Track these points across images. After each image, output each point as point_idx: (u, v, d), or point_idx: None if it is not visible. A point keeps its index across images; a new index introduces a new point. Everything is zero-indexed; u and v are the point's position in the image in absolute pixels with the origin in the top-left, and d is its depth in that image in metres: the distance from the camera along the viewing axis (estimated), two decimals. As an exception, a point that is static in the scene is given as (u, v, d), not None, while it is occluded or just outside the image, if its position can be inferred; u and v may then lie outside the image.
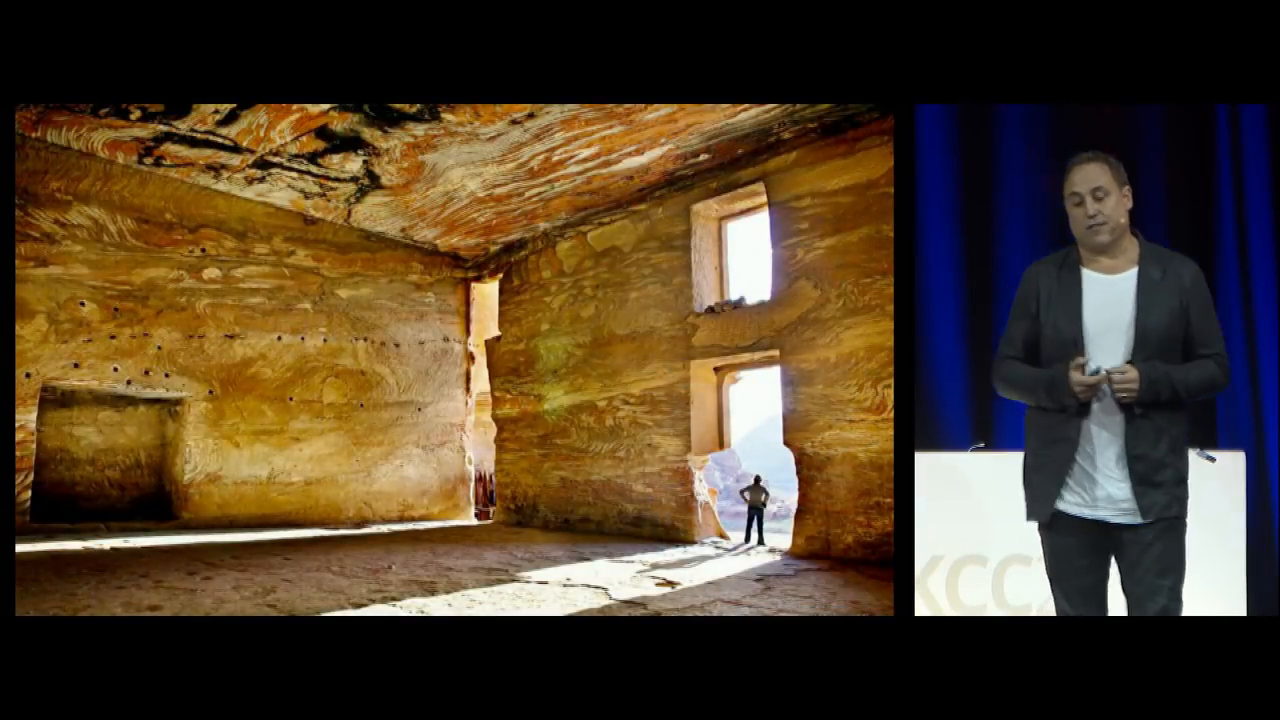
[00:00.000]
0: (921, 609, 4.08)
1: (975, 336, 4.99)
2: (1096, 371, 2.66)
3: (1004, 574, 4.06)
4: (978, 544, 4.06)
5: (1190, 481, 2.73)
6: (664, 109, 7.41)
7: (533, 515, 11.16)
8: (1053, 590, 2.80)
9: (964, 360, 4.93)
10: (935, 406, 4.85)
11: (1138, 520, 2.67)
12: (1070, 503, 2.75)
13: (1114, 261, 2.76)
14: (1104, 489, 2.72)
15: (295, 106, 8.01)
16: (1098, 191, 2.72)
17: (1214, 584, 3.94)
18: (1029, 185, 4.96)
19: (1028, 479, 2.85)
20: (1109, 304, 2.74)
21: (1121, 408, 2.68)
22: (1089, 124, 4.92)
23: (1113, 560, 2.74)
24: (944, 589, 4.11)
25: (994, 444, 4.61)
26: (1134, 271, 2.74)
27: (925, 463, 4.00)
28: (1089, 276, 2.78)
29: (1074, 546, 2.74)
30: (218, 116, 8.41)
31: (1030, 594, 3.93)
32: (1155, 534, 2.66)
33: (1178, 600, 2.64)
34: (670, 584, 5.83)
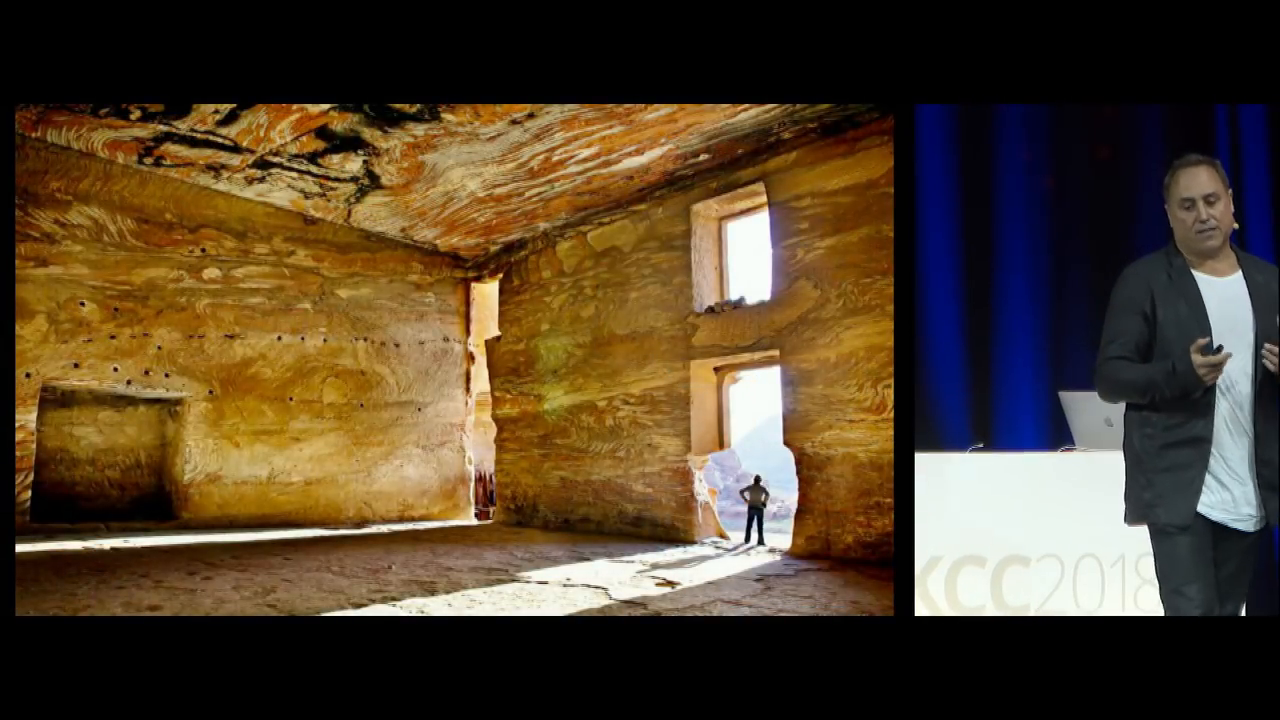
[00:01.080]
0: (920, 610, 4.07)
1: (974, 337, 4.99)
2: (1219, 349, 2.61)
3: (1002, 575, 4.04)
4: (976, 545, 4.05)
5: None
6: (664, 109, 7.41)
7: (533, 515, 11.16)
8: (1177, 594, 2.73)
9: (962, 361, 4.93)
10: (934, 407, 4.85)
11: (1251, 527, 2.69)
12: (1203, 504, 2.73)
13: (1219, 265, 2.76)
14: (1227, 491, 2.71)
15: (295, 106, 8.01)
16: (1210, 197, 2.71)
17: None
18: (1029, 185, 4.95)
19: (1147, 482, 2.80)
20: (1226, 306, 2.73)
21: (1251, 408, 2.68)
22: (1089, 123, 4.92)
23: None
24: (943, 590, 4.11)
25: (992, 444, 4.61)
26: (1239, 275, 2.75)
27: (922, 463, 4.00)
28: (1201, 279, 2.77)
29: (1198, 546, 2.70)
30: (218, 116, 8.41)
31: (1028, 595, 3.91)
32: (1251, 542, 2.69)
33: (1241, 605, 2.69)
34: (670, 584, 5.83)
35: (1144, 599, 3.86)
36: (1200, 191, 2.71)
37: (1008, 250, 4.94)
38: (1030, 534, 3.81)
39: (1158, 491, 2.78)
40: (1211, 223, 2.70)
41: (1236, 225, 2.76)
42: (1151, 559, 2.90)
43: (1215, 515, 2.71)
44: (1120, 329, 2.81)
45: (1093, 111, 4.90)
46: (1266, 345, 2.65)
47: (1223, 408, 2.71)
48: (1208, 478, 2.72)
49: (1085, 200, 4.95)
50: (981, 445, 4.40)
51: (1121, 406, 3.57)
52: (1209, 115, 4.71)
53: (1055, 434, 4.43)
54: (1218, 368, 2.62)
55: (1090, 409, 3.92)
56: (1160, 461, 2.78)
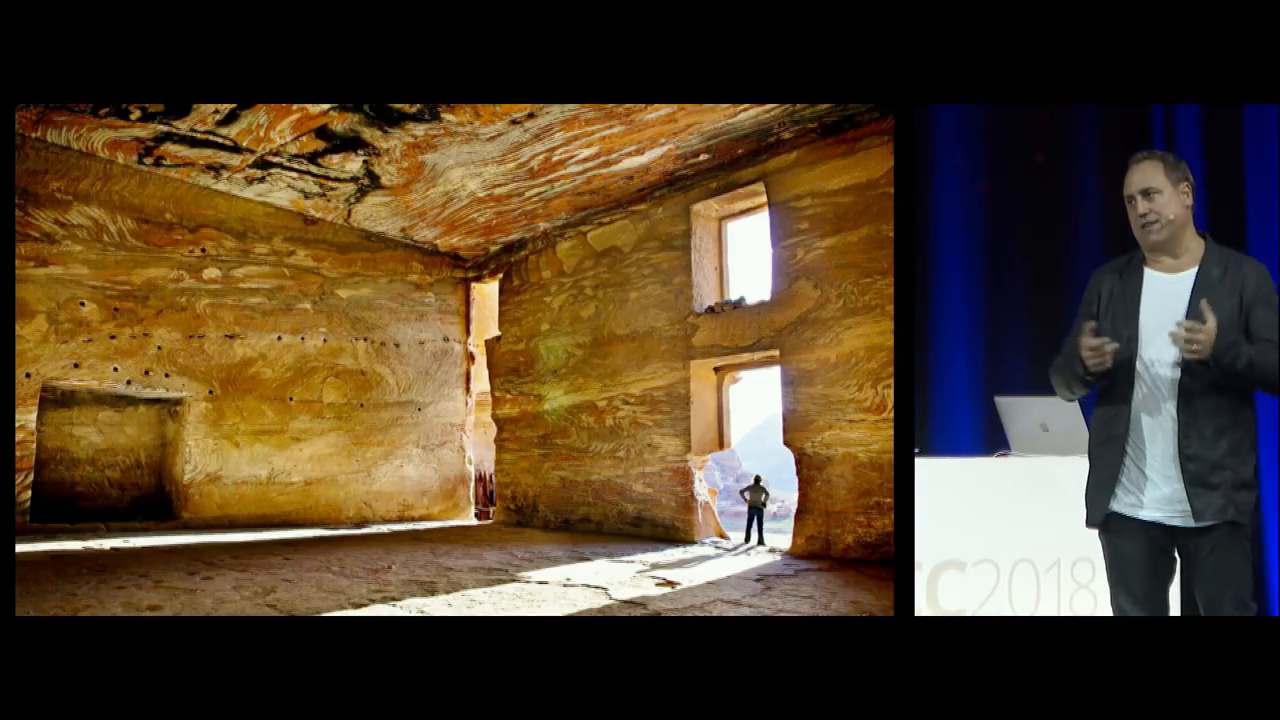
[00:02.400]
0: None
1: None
2: (1100, 337, 2.64)
3: (938, 579, 4.00)
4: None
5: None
6: (664, 109, 7.41)
7: (533, 515, 11.16)
8: (1112, 594, 2.78)
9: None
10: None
11: (1191, 523, 2.65)
12: (1124, 503, 2.73)
13: (1176, 261, 2.75)
14: (1157, 489, 2.70)
15: (295, 106, 8.01)
16: (1149, 191, 2.71)
17: None
18: (964, 189, 4.94)
19: (1086, 483, 2.84)
20: (1165, 302, 2.72)
21: (1174, 399, 2.65)
22: (1025, 127, 4.90)
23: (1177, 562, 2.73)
24: (924, 594, 4.09)
25: (927, 449, 4.56)
26: (1194, 271, 2.72)
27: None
28: (1150, 276, 2.77)
29: (1131, 549, 2.71)
30: (218, 116, 8.41)
31: (964, 599, 3.83)
32: (1214, 541, 2.64)
33: (1245, 609, 2.62)
34: (670, 584, 5.83)
35: (1079, 603, 3.84)
36: (1139, 186, 2.72)
37: (943, 255, 4.93)
38: (965, 539, 3.79)
39: (1088, 491, 2.82)
40: (1150, 216, 2.70)
41: (1177, 216, 2.70)
42: (1085, 564, 2.93)
43: (1146, 514, 2.71)
44: (1073, 331, 2.86)
45: (1029, 115, 4.90)
46: (1177, 322, 2.61)
47: (1143, 405, 2.71)
48: (1135, 475, 2.73)
49: (1021, 204, 4.93)
50: (917, 450, 4.38)
51: (1057, 413, 3.59)
52: (1145, 117, 4.70)
53: (991, 439, 4.41)
54: (1099, 354, 2.66)
55: (1026, 414, 3.91)
56: (1094, 460, 2.83)
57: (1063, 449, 3.78)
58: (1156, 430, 2.70)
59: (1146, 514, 2.71)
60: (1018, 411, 3.96)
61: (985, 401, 4.41)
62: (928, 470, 3.81)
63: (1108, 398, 2.80)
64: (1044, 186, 4.91)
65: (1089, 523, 2.81)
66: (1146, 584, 2.71)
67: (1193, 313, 2.65)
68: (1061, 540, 3.80)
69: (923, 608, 3.73)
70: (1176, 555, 2.73)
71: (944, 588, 3.80)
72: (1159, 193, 2.70)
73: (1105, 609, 3.49)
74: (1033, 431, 3.90)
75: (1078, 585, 3.86)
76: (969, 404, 4.73)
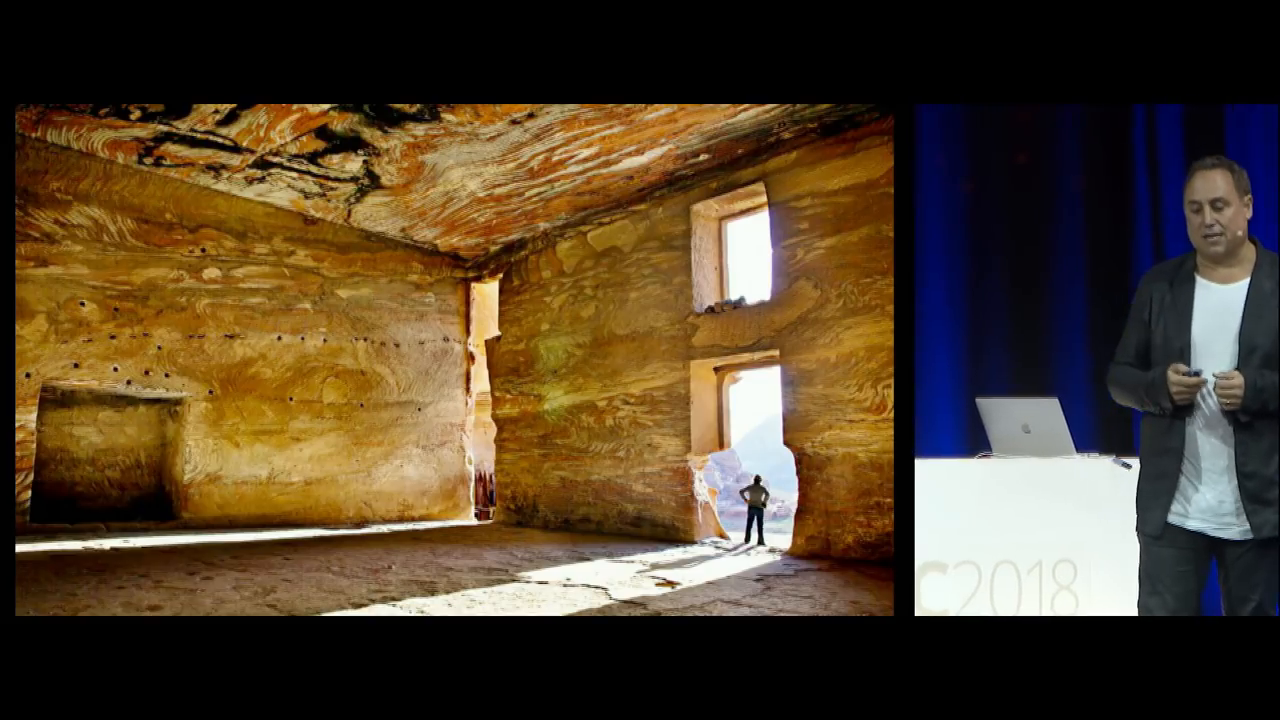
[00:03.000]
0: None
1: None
2: (1197, 373, 2.65)
3: (920, 580, 3.99)
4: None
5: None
6: (664, 109, 7.41)
7: (533, 515, 11.16)
8: (1141, 597, 2.80)
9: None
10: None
11: (1239, 536, 2.67)
12: (1174, 513, 2.75)
13: (1229, 270, 2.73)
14: (1204, 499, 2.71)
15: (295, 106, 8.01)
16: (1217, 202, 2.68)
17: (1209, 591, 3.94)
18: (946, 190, 4.94)
19: (1139, 490, 2.85)
20: (1218, 313, 2.71)
21: (1230, 418, 2.66)
22: (1007, 128, 4.91)
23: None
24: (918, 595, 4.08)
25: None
26: (1244, 282, 2.71)
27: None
28: (1202, 285, 2.75)
29: (1174, 555, 2.73)
30: (218, 116, 8.41)
31: (945, 601, 3.83)
32: (1250, 546, 2.67)
33: (1268, 609, 2.65)
34: (670, 584, 5.83)
35: (1061, 605, 3.84)
36: (1207, 196, 2.69)
37: (925, 255, 4.94)
38: (947, 540, 3.79)
39: (1141, 499, 2.83)
40: (1216, 228, 2.68)
41: (1242, 231, 2.70)
42: (1066, 566, 2.94)
43: (1193, 524, 2.72)
44: (1126, 336, 2.87)
45: (1011, 116, 4.91)
46: (1213, 374, 2.63)
47: (1203, 415, 2.71)
48: (1186, 486, 2.73)
49: (1003, 205, 4.94)
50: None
51: (1039, 414, 3.61)
52: (1125, 118, 4.70)
53: (972, 440, 4.41)
54: (1190, 389, 2.66)
55: (1007, 415, 3.91)
56: (1147, 469, 2.83)
57: (1044, 450, 3.78)
58: (1210, 445, 2.71)
59: (1193, 524, 2.73)
60: (999, 413, 3.96)
61: (967, 402, 4.42)
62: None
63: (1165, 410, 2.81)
64: (1026, 187, 4.92)
65: (1144, 529, 2.82)
66: (1178, 588, 2.72)
67: (1245, 329, 2.66)
68: (1043, 542, 3.80)
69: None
70: (1201, 562, 2.75)
71: (926, 589, 3.79)
72: (1228, 205, 2.68)
73: (1086, 610, 3.50)
74: (1014, 432, 3.91)
75: (1059, 587, 3.86)
76: (950, 405, 4.73)
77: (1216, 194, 2.68)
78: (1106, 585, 3.68)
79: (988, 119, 4.88)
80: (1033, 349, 4.82)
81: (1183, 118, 4.60)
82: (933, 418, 4.83)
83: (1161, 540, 2.76)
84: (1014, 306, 4.86)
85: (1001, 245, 4.90)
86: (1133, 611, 2.92)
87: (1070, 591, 3.83)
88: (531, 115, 7.69)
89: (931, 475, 3.87)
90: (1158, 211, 4.62)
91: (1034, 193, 4.89)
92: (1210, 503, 2.70)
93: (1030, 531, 3.81)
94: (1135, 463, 3.60)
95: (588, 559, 7.31)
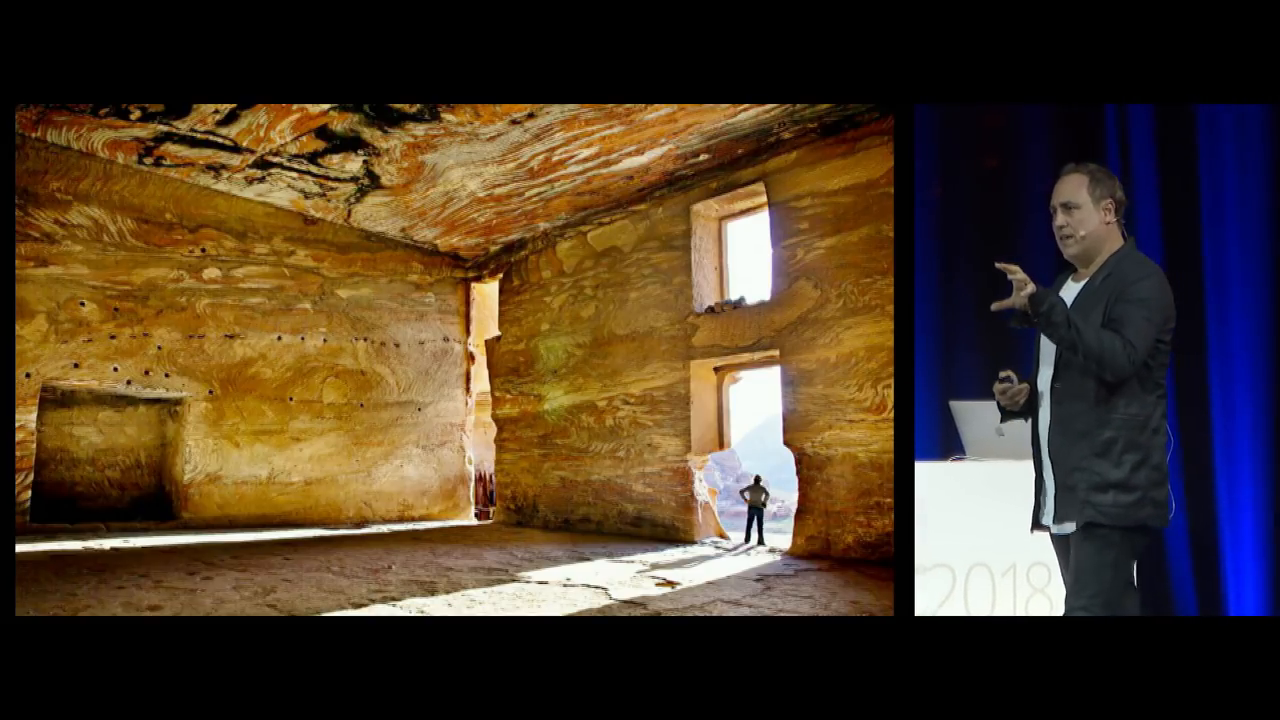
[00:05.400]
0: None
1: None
2: (1006, 378, 2.73)
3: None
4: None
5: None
6: (664, 109, 7.41)
7: (533, 515, 11.16)
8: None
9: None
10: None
11: (1055, 531, 2.68)
12: (1043, 511, 2.78)
13: (1087, 270, 2.76)
14: (1047, 497, 2.74)
15: (295, 106, 8.01)
16: (1068, 205, 2.72)
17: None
18: (918, 193, 4.94)
19: None
20: None
21: (1049, 414, 2.68)
22: (976, 131, 4.92)
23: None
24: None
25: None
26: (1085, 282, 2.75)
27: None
28: (1066, 287, 2.81)
29: (1059, 557, 2.78)
30: (218, 116, 8.41)
31: (921, 604, 3.84)
32: (1075, 543, 2.65)
33: (1088, 614, 2.59)
34: (670, 584, 5.83)
35: (1035, 607, 3.86)
36: (1058, 200, 2.74)
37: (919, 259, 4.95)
38: (921, 543, 3.79)
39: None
40: (1066, 230, 2.72)
41: (1089, 232, 2.70)
42: (1041, 569, 2.97)
43: (1044, 520, 2.76)
44: None
45: (980, 119, 4.92)
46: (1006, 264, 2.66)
47: (1041, 414, 2.76)
48: (1040, 484, 2.77)
49: (971, 208, 4.95)
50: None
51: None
52: (1098, 119, 4.70)
53: (945, 443, 4.42)
54: (1004, 394, 2.74)
55: (980, 418, 3.92)
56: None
57: (1018, 453, 3.79)
58: (1043, 440, 2.75)
59: (1045, 520, 2.77)
60: (973, 416, 3.97)
61: (940, 406, 4.43)
62: None
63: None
64: (994, 190, 4.93)
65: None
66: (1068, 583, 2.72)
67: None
68: (1017, 544, 3.81)
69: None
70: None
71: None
72: (1078, 208, 2.71)
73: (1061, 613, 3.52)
74: (988, 435, 3.92)
75: (1033, 589, 3.87)
76: (925, 408, 4.73)
77: (1066, 197, 2.72)
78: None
79: (957, 122, 4.89)
80: (1003, 352, 4.86)
81: (1153, 118, 4.61)
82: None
83: (1052, 542, 2.81)
84: (983, 308, 4.89)
85: (971, 249, 4.92)
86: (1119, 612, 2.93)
87: (1044, 594, 3.84)
88: (531, 115, 7.69)
89: None
90: (1129, 212, 4.63)
91: (1002, 197, 4.92)
92: (1049, 500, 2.72)
93: (1004, 534, 3.83)
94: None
95: (588, 559, 7.31)
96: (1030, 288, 2.61)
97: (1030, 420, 2.81)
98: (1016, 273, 2.63)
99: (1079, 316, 2.62)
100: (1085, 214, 2.71)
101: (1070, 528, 2.65)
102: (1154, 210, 4.56)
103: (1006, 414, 2.81)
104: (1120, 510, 2.57)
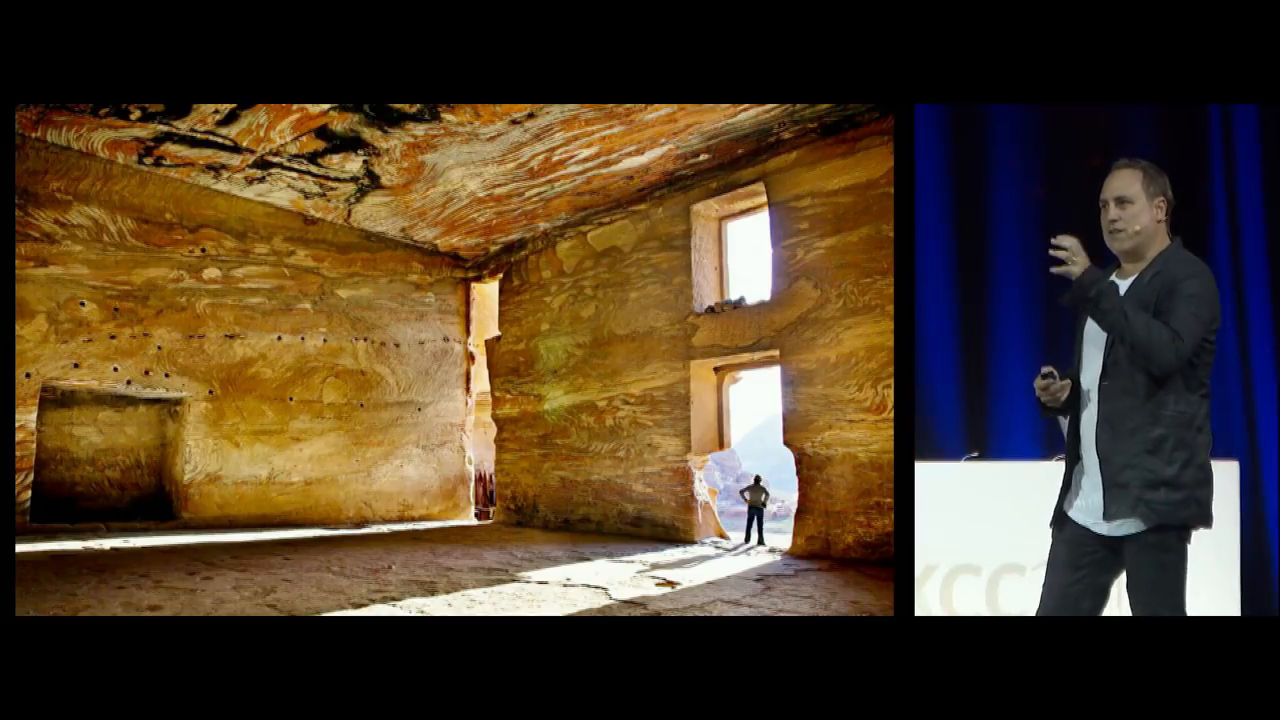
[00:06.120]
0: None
1: (968, 345, 4.99)
2: (1049, 373, 2.70)
3: (998, 583, 4.04)
4: (971, 553, 4.04)
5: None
6: (664, 109, 7.41)
7: (533, 515, 11.16)
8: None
9: (956, 369, 4.92)
10: (928, 415, 4.84)
11: (1104, 530, 2.63)
12: (1077, 508, 2.73)
13: (1135, 267, 2.73)
14: (1086, 495, 2.69)
15: (295, 106, 8.01)
16: (1120, 199, 2.70)
17: (1210, 595, 3.94)
18: (1021, 192, 4.96)
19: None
20: None
21: (1098, 412, 2.65)
22: (1081, 129, 4.92)
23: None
24: (938, 598, 4.11)
25: (987, 453, 4.60)
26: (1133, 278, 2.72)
27: (922, 472, 3.99)
28: (1111, 284, 2.74)
29: (1067, 555, 2.71)
30: (218, 116, 8.41)
31: (1026, 603, 3.91)
32: (1137, 548, 2.60)
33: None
34: (670, 584, 5.83)
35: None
36: (1111, 194, 2.73)
37: (1001, 257, 4.95)
38: (1024, 543, 3.81)
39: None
40: (1118, 224, 2.70)
41: (1142, 228, 2.68)
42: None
43: (1078, 517, 2.71)
44: None
45: (1085, 117, 4.92)
46: (1056, 240, 2.66)
47: (1083, 413, 2.72)
48: (1079, 481, 2.72)
49: (1076, 208, 4.96)
50: (976, 454, 4.39)
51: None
52: (1202, 116, 4.70)
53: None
54: (1046, 390, 2.70)
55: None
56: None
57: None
58: (1088, 437, 2.71)
59: (1076, 514, 2.73)
60: None
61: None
62: (988, 475, 3.87)
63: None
64: (1099, 189, 4.96)
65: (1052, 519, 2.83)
66: (1070, 591, 2.67)
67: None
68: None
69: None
70: (1100, 563, 2.68)
71: (1003, 591, 3.85)
72: (1131, 203, 2.70)
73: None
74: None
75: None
76: (1029, 409, 4.76)
77: (1120, 191, 2.71)
78: (1196, 592, 3.71)
79: (1061, 121, 4.91)
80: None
81: (1259, 118, 4.61)
82: (1009, 420, 4.87)
83: (1061, 533, 2.76)
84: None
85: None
86: (1119, 612, 2.92)
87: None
88: (531, 115, 7.69)
89: (1006, 478, 3.91)
90: (1234, 213, 4.64)
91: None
92: (1093, 497, 2.67)
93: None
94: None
95: (588, 559, 7.31)
96: (1084, 259, 2.62)
97: (1069, 418, 2.77)
98: (1069, 248, 2.63)
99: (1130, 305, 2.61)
100: (1139, 209, 2.70)
101: (1128, 528, 2.59)
102: (1259, 213, 4.57)
103: (1046, 410, 2.77)
104: (1168, 508, 2.56)
